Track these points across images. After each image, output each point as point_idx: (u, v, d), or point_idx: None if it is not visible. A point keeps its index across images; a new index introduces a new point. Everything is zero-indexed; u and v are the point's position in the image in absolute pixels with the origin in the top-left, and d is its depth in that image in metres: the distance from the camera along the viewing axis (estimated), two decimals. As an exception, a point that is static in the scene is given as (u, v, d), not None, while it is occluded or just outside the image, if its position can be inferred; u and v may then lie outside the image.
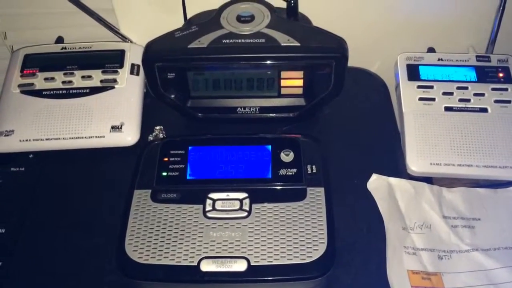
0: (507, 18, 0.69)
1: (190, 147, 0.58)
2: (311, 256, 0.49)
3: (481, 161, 0.60)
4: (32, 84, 0.66)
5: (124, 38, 0.73)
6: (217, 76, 0.61)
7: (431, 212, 0.57)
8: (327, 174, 0.55)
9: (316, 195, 0.53)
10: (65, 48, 0.69)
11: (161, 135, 0.64)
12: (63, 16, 0.74)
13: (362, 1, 0.73)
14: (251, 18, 0.61)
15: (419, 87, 0.65)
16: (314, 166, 0.56)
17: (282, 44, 0.58)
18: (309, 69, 0.60)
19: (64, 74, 0.66)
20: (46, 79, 0.66)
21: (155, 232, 0.51)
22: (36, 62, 0.68)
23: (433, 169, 0.60)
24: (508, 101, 0.64)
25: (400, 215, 0.56)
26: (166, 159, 0.57)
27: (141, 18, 0.74)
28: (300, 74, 0.61)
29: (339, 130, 0.66)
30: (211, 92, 0.63)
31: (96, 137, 0.63)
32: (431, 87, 0.65)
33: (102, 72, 0.67)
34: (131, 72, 0.67)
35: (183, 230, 0.51)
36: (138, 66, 0.68)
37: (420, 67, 0.67)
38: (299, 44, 0.58)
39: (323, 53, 0.58)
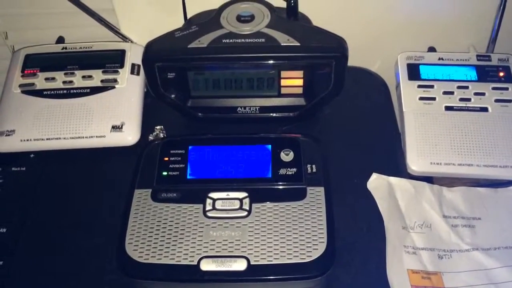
0: (508, 17, 0.69)
1: (190, 147, 0.58)
2: (310, 256, 0.49)
3: (482, 160, 0.60)
4: (33, 84, 0.66)
5: (125, 38, 0.74)
6: (217, 76, 0.62)
7: (431, 212, 0.57)
8: (327, 173, 0.55)
9: (316, 194, 0.53)
10: (66, 48, 0.70)
11: (161, 135, 0.64)
12: (64, 16, 0.74)
13: (362, 1, 0.73)
14: (251, 18, 0.61)
15: (419, 86, 0.65)
16: (314, 166, 0.56)
17: (282, 44, 0.58)
18: (309, 68, 0.60)
19: (65, 74, 0.67)
20: (46, 79, 0.66)
21: (155, 232, 0.51)
22: (37, 62, 0.68)
23: (433, 169, 0.60)
24: (509, 101, 0.64)
25: (400, 215, 0.56)
26: (166, 158, 0.57)
27: (141, 18, 0.74)
28: (300, 73, 0.61)
29: (339, 129, 0.66)
30: (211, 92, 0.63)
31: (96, 136, 0.63)
32: (432, 86, 0.65)
33: (103, 72, 0.67)
34: (132, 72, 0.68)
35: (183, 229, 0.51)
36: (139, 66, 0.68)
37: (420, 66, 0.67)
38: (299, 44, 0.58)
39: (323, 53, 0.58)
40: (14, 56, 0.70)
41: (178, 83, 0.62)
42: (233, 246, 0.50)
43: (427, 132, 0.62)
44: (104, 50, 0.69)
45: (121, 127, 0.63)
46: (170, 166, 0.56)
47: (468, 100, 0.64)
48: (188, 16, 0.67)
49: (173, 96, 0.63)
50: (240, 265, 0.49)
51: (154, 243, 0.50)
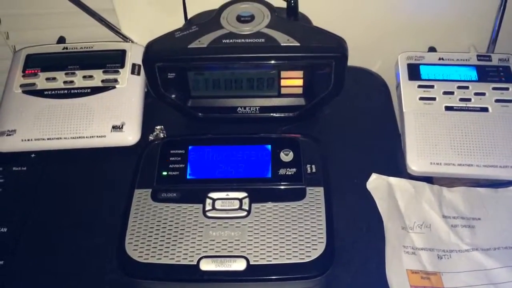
0: (508, 17, 0.68)
1: (190, 147, 0.58)
2: (310, 256, 0.49)
3: (482, 160, 0.60)
4: (34, 84, 0.66)
5: (125, 38, 0.74)
6: (217, 76, 0.62)
7: (431, 212, 0.57)
8: (326, 173, 0.55)
9: (316, 194, 0.53)
10: (67, 48, 0.70)
11: (161, 135, 0.64)
12: (65, 17, 0.74)
13: (363, 1, 0.73)
14: (251, 18, 0.61)
15: (419, 86, 0.65)
16: (313, 166, 0.56)
17: (282, 44, 0.58)
18: (309, 68, 0.60)
19: (66, 74, 0.67)
20: (47, 79, 0.67)
21: (155, 231, 0.51)
22: (38, 62, 0.69)
23: (433, 169, 0.60)
24: (509, 101, 0.63)
25: (399, 215, 0.57)
26: (166, 158, 0.57)
27: (142, 18, 0.74)
28: (300, 73, 0.61)
29: (339, 129, 0.66)
30: (212, 92, 0.63)
31: (97, 136, 0.63)
32: (432, 86, 0.65)
33: (103, 72, 0.67)
34: (132, 72, 0.68)
35: (183, 229, 0.51)
36: (139, 66, 0.68)
37: (420, 66, 0.67)
38: (298, 44, 0.58)
39: (323, 53, 0.58)
40: (15, 56, 0.70)
41: (178, 83, 0.62)
42: (233, 246, 0.50)
43: (427, 132, 0.62)
44: (104, 50, 0.70)
45: (122, 127, 0.64)
46: (170, 166, 0.57)
47: (468, 100, 0.64)
48: (189, 16, 0.67)
49: (173, 96, 0.63)
50: (239, 265, 0.49)
51: (154, 243, 0.51)
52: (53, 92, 0.66)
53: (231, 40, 0.59)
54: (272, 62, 0.59)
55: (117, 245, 0.51)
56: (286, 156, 0.57)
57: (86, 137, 0.63)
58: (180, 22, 0.66)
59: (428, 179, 0.61)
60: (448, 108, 0.63)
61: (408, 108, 0.64)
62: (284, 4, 0.62)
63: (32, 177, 0.62)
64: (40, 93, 0.66)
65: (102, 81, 0.66)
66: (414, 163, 0.60)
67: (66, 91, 0.66)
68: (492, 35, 0.70)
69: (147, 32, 0.63)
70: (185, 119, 0.66)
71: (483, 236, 0.55)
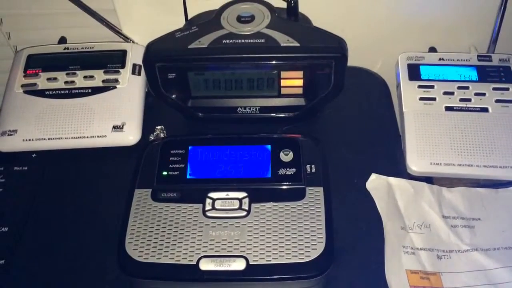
0: (508, 17, 0.68)
1: (190, 147, 0.58)
2: (309, 256, 0.49)
3: (482, 161, 0.60)
4: (35, 84, 0.67)
5: (126, 39, 0.74)
6: (218, 76, 0.62)
7: (431, 212, 0.57)
8: (326, 174, 0.56)
9: (315, 194, 0.53)
10: (68, 49, 0.70)
11: (162, 135, 0.65)
12: (66, 17, 0.75)
13: (363, 1, 0.73)
14: (251, 18, 0.61)
15: (419, 86, 0.65)
16: (313, 166, 0.56)
17: (281, 44, 0.58)
18: (308, 69, 0.60)
19: (67, 74, 0.67)
20: (48, 79, 0.67)
21: (155, 231, 0.52)
22: (39, 62, 0.69)
23: (433, 169, 0.60)
24: (509, 101, 0.63)
25: (399, 215, 0.57)
26: (166, 158, 0.57)
27: (142, 18, 0.75)
28: (300, 74, 0.61)
29: (339, 129, 0.67)
30: (212, 92, 0.63)
31: (98, 136, 0.63)
32: (432, 86, 0.65)
33: (104, 72, 0.67)
34: (133, 72, 0.68)
35: (183, 229, 0.52)
36: (140, 66, 0.68)
37: (421, 66, 0.67)
38: (298, 44, 0.58)
39: (323, 53, 0.58)
40: (17, 56, 0.71)
41: (178, 83, 0.62)
42: (232, 246, 0.50)
43: (427, 133, 0.62)
44: (105, 50, 0.70)
45: (122, 127, 0.64)
46: (170, 166, 0.57)
47: (469, 100, 0.64)
48: (189, 17, 0.67)
49: (173, 96, 0.64)
50: (239, 265, 0.49)
51: (153, 242, 0.51)
52: (54, 92, 0.66)
53: (231, 41, 0.59)
54: (272, 62, 0.60)
55: (117, 245, 0.51)
56: (286, 156, 0.57)
57: (87, 137, 0.63)
58: (180, 23, 0.67)
59: (428, 179, 0.61)
60: (448, 108, 0.63)
61: (408, 108, 0.64)
62: (284, 5, 0.62)
63: (33, 177, 0.62)
64: (41, 93, 0.66)
65: (103, 81, 0.67)
66: (414, 163, 0.60)
67: (67, 91, 0.66)
68: (492, 35, 0.70)
69: (148, 32, 0.64)
70: (186, 119, 0.67)
71: (483, 236, 0.55)
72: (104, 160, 0.64)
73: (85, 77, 0.67)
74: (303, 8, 0.63)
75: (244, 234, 0.51)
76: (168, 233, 0.51)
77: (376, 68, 0.77)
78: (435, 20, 0.75)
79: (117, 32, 0.74)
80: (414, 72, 0.67)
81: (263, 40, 0.59)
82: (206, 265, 0.49)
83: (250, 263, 0.49)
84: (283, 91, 0.63)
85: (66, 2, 0.69)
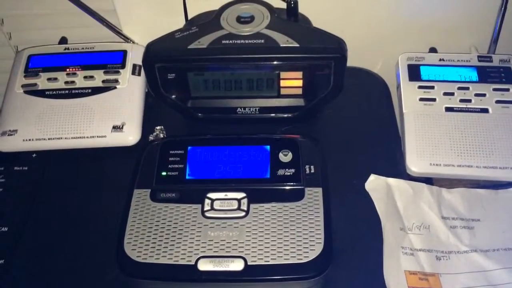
0: (509, 17, 0.68)
1: (189, 147, 0.58)
2: (308, 256, 0.49)
3: (482, 162, 0.60)
4: (35, 84, 0.67)
5: (127, 39, 0.74)
6: (217, 77, 0.62)
7: (430, 213, 0.57)
8: (325, 174, 0.56)
9: (314, 195, 0.53)
10: (68, 49, 0.70)
11: (161, 135, 0.65)
12: (67, 18, 0.75)
13: (364, 2, 0.73)
14: (251, 19, 0.61)
15: (420, 87, 0.65)
16: (312, 167, 0.56)
17: (281, 45, 0.58)
18: (308, 69, 0.60)
19: (67, 74, 0.67)
20: (49, 79, 0.67)
21: (154, 231, 0.52)
22: (39, 63, 0.69)
23: (433, 170, 0.60)
24: (510, 102, 0.63)
25: (398, 216, 0.56)
26: (165, 159, 0.57)
27: (143, 19, 0.75)
28: (299, 74, 0.61)
29: (339, 130, 0.66)
30: (211, 92, 0.63)
31: (97, 136, 0.64)
32: (432, 87, 0.65)
33: (104, 72, 0.67)
34: (133, 73, 0.68)
35: (181, 229, 0.52)
36: (140, 66, 0.68)
37: (421, 67, 0.67)
38: (298, 45, 0.58)
39: (322, 54, 0.58)
40: (17, 56, 0.71)
41: (178, 84, 0.62)
42: (231, 246, 0.50)
43: (427, 133, 0.62)
44: (105, 50, 0.70)
45: (122, 127, 0.64)
46: (170, 166, 0.57)
47: (469, 101, 0.64)
48: (189, 17, 0.67)
49: (173, 96, 0.64)
50: (237, 265, 0.49)
51: (152, 243, 0.51)
52: (54, 92, 0.66)
53: (230, 41, 0.59)
54: (272, 63, 0.59)
55: (116, 245, 0.51)
56: (285, 156, 0.57)
57: (87, 137, 0.63)
58: (180, 23, 0.67)
59: (428, 180, 0.60)
60: (448, 109, 0.63)
61: (408, 109, 0.64)
62: (284, 5, 0.62)
63: (33, 177, 0.63)
64: (42, 93, 0.66)
65: (103, 81, 0.67)
66: (414, 164, 0.60)
67: (67, 91, 0.66)
68: (493, 35, 0.70)
69: (148, 32, 0.64)
70: (185, 120, 0.67)
71: (482, 237, 0.55)
72: (104, 160, 0.64)
73: (85, 77, 0.67)
74: (303, 9, 0.63)
75: (242, 234, 0.51)
76: (166, 234, 0.51)
77: (376, 68, 0.76)
78: (436, 20, 0.75)
79: (117, 32, 0.74)
80: (414, 72, 0.67)
81: (262, 41, 0.59)
82: (204, 266, 0.49)
83: (249, 263, 0.49)
84: (283, 91, 0.63)
85: (66, 3, 0.69)
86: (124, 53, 0.70)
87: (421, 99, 0.64)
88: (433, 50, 0.71)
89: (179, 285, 0.51)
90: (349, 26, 0.70)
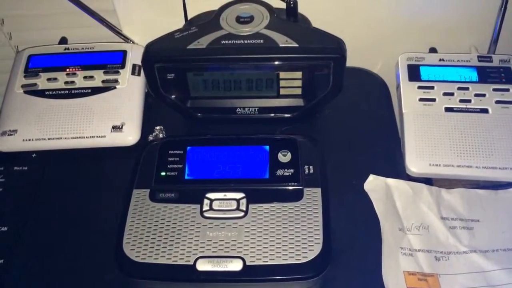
0: (509, 18, 0.68)
1: (188, 147, 0.58)
2: (306, 256, 0.49)
3: (481, 162, 0.60)
4: (35, 84, 0.67)
5: (126, 39, 0.74)
6: (217, 77, 0.62)
7: (429, 213, 0.57)
8: (324, 174, 0.56)
9: (313, 195, 0.53)
10: (68, 49, 0.70)
11: (161, 135, 0.65)
12: (67, 18, 0.75)
13: (364, 2, 0.73)
14: (250, 19, 0.61)
15: (419, 87, 0.65)
16: (311, 167, 0.56)
17: (280, 45, 0.58)
18: (307, 69, 0.60)
19: (67, 74, 0.67)
20: (49, 79, 0.67)
21: (153, 231, 0.52)
22: (39, 63, 0.69)
23: (432, 170, 0.60)
24: (509, 102, 0.63)
25: (397, 216, 0.56)
26: (165, 159, 0.57)
27: (142, 19, 0.75)
28: (298, 74, 0.61)
29: (339, 130, 0.66)
30: (211, 92, 0.63)
31: (97, 137, 0.64)
32: (432, 87, 0.65)
33: (104, 72, 0.68)
34: (133, 73, 0.68)
35: (180, 229, 0.52)
36: (140, 66, 0.68)
37: (421, 67, 0.67)
38: (297, 45, 0.58)
39: (321, 54, 0.58)
40: (18, 57, 0.71)
41: (177, 84, 0.62)
42: (229, 246, 0.50)
43: (426, 134, 0.62)
44: (105, 50, 0.70)
45: (122, 128, 0.64)
46: (169, 166, 0.57)
47: (469, 101, 0.63)
48: (189, 17, 0.67)
49: (173, 96, 0.64)
50: (236, 266, 0.49)
51: (151, 243, 0.51)
52: (54, 92, 0.66)
53: (230, 41, 0.59)
54: (271, 63, 0.60)
55: (115, 245, 0.51)
56: (284, 157, 0.57)
57: (86, 137, 0.64)
58: (180, 23, 0.67)
59: (428, 181, 0.60)
60: (448, 109, 0.63)
61: (407, 109, 0.64)
62: (283, 5, 0.62)
63: (33, 177, 0.63)
64: (41, 93, 0.66)
65: (103, 81, 0.67)
66: (413, 164, 0.60)
67: (67, 92, 0.66)
68: (493, 36, 0.70)
69: (148, 33, 0.64)
70: (185, 120, 0.67)
71: (481, 238, 0.55)
72: (103, 160, 0.64)
73: (85, 77, 0.67)
74: (302, 9, 0.63)
75: (241, 234, 0.51)
76: (165, 234, 0.51)
77: (376, 68, 0.76)
78: (436, 20, 0.74)
79: (117, 32, 0.74)
80: (414, 72, 0.66)
81: (262, 41, 0.59)
82: (203, 266, 0.49)
83: (247, 263, 0.49)
84: (282, 91, 0.63)
85: (66, 3, 0.69)
86: (124, 53, 0.70)
87: (421, 99, 0.64)
88: (433, 50, 0.71)
89: (178, 285, 0.51)
90: (348, 26, 0.70)
